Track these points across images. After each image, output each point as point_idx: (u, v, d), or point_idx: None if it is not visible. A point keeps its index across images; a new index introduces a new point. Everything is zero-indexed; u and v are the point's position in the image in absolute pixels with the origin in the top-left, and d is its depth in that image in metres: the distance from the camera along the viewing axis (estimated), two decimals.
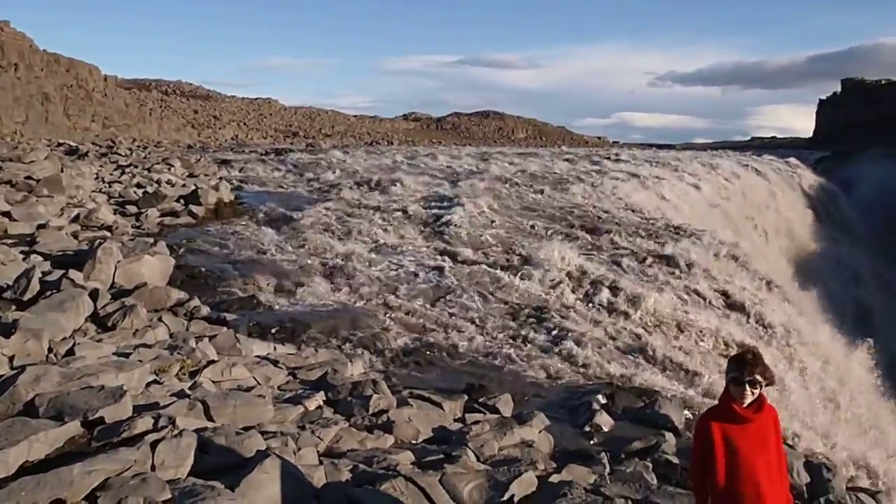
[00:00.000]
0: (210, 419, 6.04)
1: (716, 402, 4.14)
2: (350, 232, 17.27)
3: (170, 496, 4.49)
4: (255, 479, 4.75)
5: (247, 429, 5.91)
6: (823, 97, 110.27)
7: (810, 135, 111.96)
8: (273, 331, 10.29)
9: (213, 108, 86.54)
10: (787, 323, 15.28)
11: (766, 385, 3.89)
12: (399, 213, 20.00)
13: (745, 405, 3.86)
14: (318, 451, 5.93)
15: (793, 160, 55.71)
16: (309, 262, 14.45)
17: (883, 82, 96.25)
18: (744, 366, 3.86)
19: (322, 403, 7.25)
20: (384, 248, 16.18)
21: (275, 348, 9.55)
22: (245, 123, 79.90)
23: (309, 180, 27.33)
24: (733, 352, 11.61)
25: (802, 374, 13.80)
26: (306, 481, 5.11)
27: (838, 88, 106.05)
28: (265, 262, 14.15)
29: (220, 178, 25.06)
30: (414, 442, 6.80)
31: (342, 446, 6.28)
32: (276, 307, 11.73)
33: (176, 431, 5.21)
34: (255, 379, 7.75)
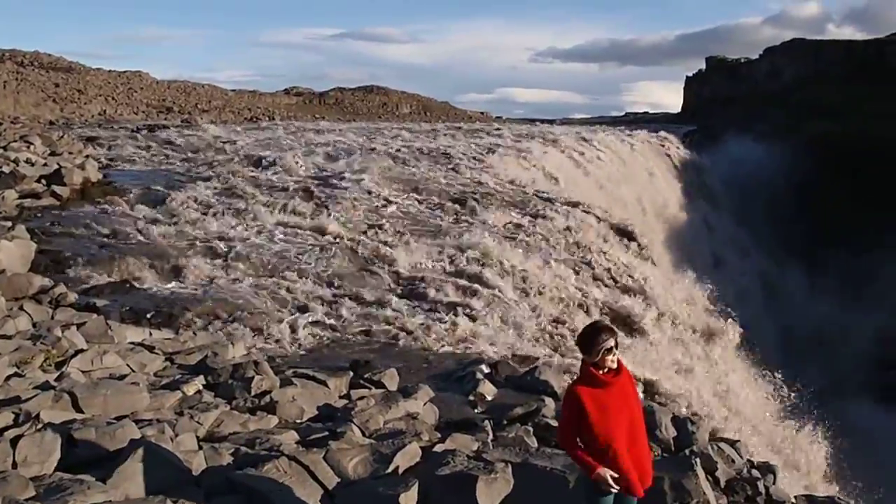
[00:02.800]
0: (79, 410, 5.77)
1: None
2: (231, 211, 16.71)
3: (34, 493, 4.27)
4: (128, 470, 4.60)
5: (120, 418, 5.69)
6: (690, 74, 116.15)
7: (679, 110, 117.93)
8: (148, 316, 9.89)
9: (77, 82, 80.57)
10: (660, 289, 16.23)
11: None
12: (282, 191, 19.53)
13: (605, 371, 4.15)
14: (197, 437, 5.79)
15: (663, 134, 58.57)
16: (187, 242, 13.90)
17: (742, 60, 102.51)
18: (602, 335, 4.14)
19: (202, 388, 7.08)
20: (267, 226, 15.78)
21: (150, 334, 9.20)
22: (113, 98, 74.93)
23: (185, 158, 26.09)
24: (608, 317, 12.24)
25: (677, 342, 14.73)
26: (185, 468, 4.99)
27: (704, 66, 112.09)
28: (139, 245, 13.49)
29: (87, 157, 23.44)
30: (298, 421, 6.77)
31: (223, 430, 6.17)
32: (152, 291, 11.25)
33: (39, 425, 4.95)
34: (128, 366, 7.44)
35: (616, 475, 4.09)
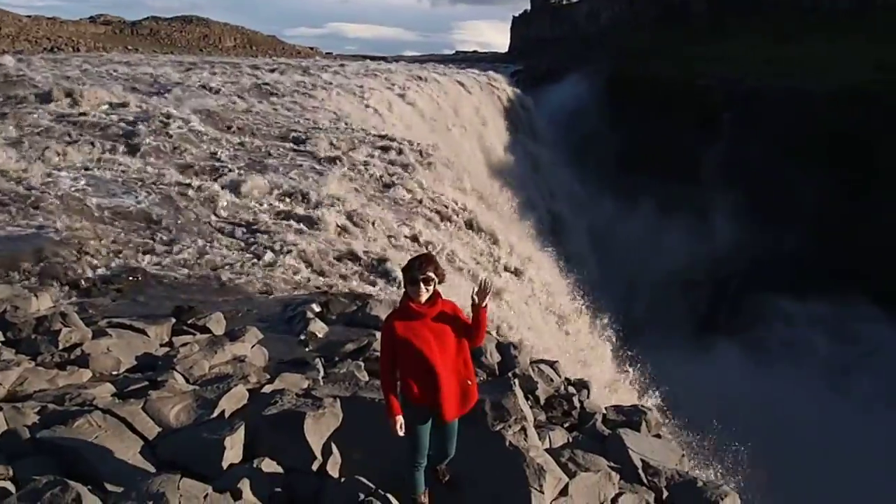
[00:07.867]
0: None
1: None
2: (30, 150, 15.09)
3: None
4: None
5: None
6: (516, 14, 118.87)
7: (506, 50, 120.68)
8: None
9: None
10: (490, 228, 16.79)
11: (439, 282, 4.30)
12: (91, 129, 17.88)
13: (421, 302, 4.24)
14: None
15: (492, 73, 59.87)
16: None
17: (564, 3, 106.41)
18: (417, 265, 4.22)
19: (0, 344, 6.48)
20: (74, 167, 14.45)
21: None
22: None
23: None
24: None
25: (511, 275, 15.40)
26: None
27: (529, 7, 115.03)
28: None
29: None
30: (115, 373, 6.41)
31: (27, 388, 5.73)
32: None
33: None
34: None
35: (409, 418, 4.31)
